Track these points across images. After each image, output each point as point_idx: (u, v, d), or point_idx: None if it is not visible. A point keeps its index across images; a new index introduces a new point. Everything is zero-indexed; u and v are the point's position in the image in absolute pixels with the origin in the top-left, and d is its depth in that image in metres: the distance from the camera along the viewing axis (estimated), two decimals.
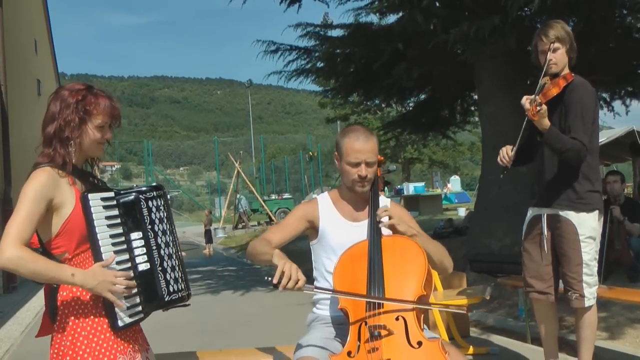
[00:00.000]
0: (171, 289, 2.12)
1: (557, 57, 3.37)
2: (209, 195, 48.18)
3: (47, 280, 1.96)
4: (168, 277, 2.11)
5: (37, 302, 8.28)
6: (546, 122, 3.22)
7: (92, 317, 2.03)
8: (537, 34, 3.48)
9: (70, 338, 2.01)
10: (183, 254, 2.29)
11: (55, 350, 2.04)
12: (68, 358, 2.00)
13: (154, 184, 2.26)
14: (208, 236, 18.07)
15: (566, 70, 3.41)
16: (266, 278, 2.29)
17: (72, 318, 2.02)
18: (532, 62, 3.55)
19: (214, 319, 6.97)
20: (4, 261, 1.86)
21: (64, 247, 2.03)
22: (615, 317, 5.26)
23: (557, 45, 3.35)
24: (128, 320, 2.04)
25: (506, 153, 3.36)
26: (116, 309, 2.00)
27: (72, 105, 2.04)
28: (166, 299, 2.11)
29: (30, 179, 1.99)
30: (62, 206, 2.02)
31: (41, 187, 1.97)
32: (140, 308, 2.07)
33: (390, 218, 2.50)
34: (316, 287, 2.51)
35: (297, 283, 2.23)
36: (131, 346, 2.10)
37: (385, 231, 2.56)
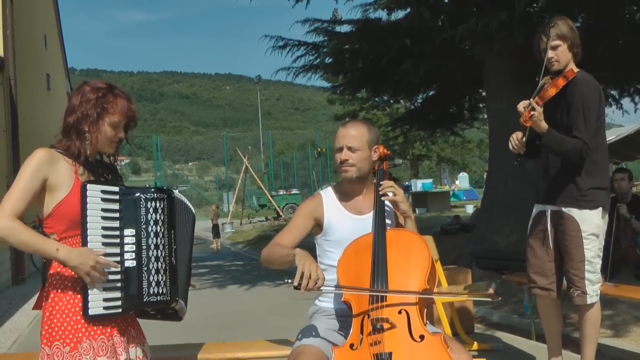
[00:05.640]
0: (151, 291, 2.11)
1: (558, 55, 3.32)
2: (217, 190, 48.34)
3: (32, 251, 2.03)
4: (151, 278, 2.12)
5: None
6: (543, 125, 3.17)
7: (69, 296, 2.09)
8: (538, 31, 3.42)
9: (47, 313, 2.09)
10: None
11: (45, 326, 2.10)
12: (43, 332, 2.09)
13: (164, 187, 2.29)
14: (215, 231, 18.13)
15: (569, 67, 3.35)
16: (286, 280, 2.27)
17: (53, 294, 2.09)
18: (537, 60, 3.51)
19: (220, 313, 7.01)
20: None
21: (53, 228, 2.10)
22: (621, 315, 5.24)
23: (557, 42, 3.30)
24: (101, 311, 2.06)
25: (517, 139, 3.27)
26: (89, 297, 2.04)
27: (92, 100, 2.15)
28: (144, 300, 2.11)
29: (29, 157, 2.09)
30: (57, 189, 2.09)
31: (37, 165, 2.06)
32: (119, 302, 2.09)
33: (394, 194, 2.53)
34: (336, 287, 2.44)
35: (317, 282, 2.20)
36: (107, 334, 2.10)
37: (388, 222, 2.57)
